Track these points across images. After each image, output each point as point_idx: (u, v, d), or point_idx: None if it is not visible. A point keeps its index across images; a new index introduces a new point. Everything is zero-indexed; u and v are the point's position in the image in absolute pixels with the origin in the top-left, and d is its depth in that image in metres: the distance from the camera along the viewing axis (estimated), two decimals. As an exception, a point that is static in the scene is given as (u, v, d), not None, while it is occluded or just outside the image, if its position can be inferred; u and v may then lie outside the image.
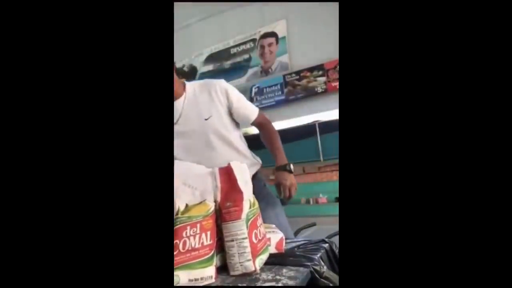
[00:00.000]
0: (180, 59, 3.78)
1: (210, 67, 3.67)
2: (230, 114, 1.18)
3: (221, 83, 1.18)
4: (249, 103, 1.22)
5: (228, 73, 3.52)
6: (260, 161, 1.23)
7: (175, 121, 1.14)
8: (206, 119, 1.13)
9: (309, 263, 0.58)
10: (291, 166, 1.08)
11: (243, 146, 1.20)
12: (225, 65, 3.58)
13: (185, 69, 3.80)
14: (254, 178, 1.15)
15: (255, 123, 1.21)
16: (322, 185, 2.98)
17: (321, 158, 2.82)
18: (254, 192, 1.15)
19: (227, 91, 1.16)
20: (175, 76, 1.14)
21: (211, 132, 1.13)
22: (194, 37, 3.71)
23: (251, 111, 1.20)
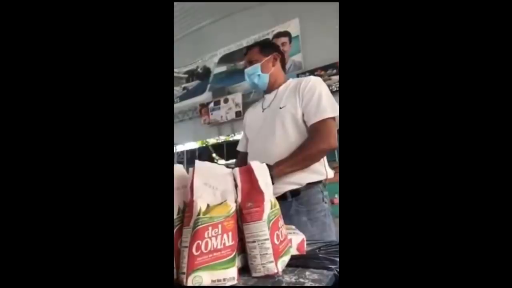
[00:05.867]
0: (194, 61, 3.81)
1: (223, 68, 3.68)
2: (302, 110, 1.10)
3: (315, 78, 1.14)
4: (326, 105, 1.06)
5: (241, 74, 3.51)
6: (326, 173, 1.14)
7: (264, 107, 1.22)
8: (280, 108, 1.14)
9: (332, 266, 0.56)
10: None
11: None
12: (238, 65, 3.58)
13: (199, 70, 3.83)
14: (311, 187, 1.10)
15: (312, 128, 1.07)
16: (337, 186, 2.89)
17: (337, 158, 2.78)
18: (302, 203, 1.13)
19: (313, 85, 1.10)
20: (279, 67, 1.22)
21: (279, 120, 1.12)
22: (207, 38, 3.74)
23: (316, 113, 1.05)
